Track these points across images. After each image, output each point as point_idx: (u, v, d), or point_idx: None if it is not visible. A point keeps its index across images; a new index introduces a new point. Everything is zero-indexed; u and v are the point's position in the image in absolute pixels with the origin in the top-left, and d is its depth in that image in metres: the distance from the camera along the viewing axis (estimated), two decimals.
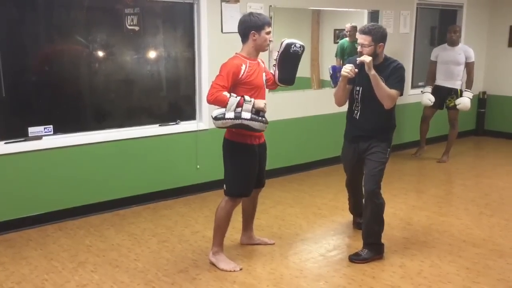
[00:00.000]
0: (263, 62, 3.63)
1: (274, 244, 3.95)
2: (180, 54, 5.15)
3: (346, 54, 6.71)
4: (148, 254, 3.79)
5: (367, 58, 3.44)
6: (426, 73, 6.70)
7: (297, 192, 5.34)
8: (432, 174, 6.12)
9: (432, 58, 6.58)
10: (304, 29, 6.50)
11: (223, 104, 3.21)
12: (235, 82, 3.30)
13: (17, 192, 4.21)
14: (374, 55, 3.52)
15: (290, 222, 4.48)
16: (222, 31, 5.10)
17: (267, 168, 4.98)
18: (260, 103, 3.27)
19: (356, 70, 3.52)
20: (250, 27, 3.35)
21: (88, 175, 4.54)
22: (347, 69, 3.51)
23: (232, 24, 5.12)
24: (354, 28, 6.54)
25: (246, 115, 3.20)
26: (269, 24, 3.40)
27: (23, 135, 4.23)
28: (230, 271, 3.49)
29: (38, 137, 4.29)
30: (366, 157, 3.71)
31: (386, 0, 6.55)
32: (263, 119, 3.28)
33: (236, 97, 3.23)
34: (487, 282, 3.37)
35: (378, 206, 3.64)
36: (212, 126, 5.11)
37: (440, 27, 7.78)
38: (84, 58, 4.64)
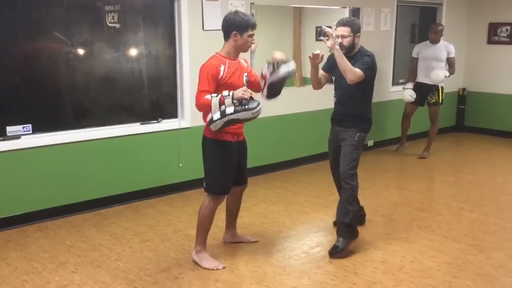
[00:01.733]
0: (246, 62, 3.60)
1: (257, 242, 3.95)
2: (162, 52, 5.12)
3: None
4: (130, 254, 3.75)
5: (331, 42, 3.58)
6: (408, 69, 6.76)
7: (280, 190, 5.35)
8: (413, 170, 6.18)
9: (414, 54, 6.65)
10: (286, 26, 6.50)
11: (209, 107, 3.21)
12: (217, 84, 3.29)
13: None
14: (353, 45, 3.76)
15: (273, 219, 4.48)
16: (203, 28, 5.07)
17: (250, 165, 4.97)
18: (237, 92, 3.21)
19: (322, 54, 3.69)
20: (232, 27, 3.31)
21: (68, 175, 4.49)
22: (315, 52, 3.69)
23: (213, 21, 5.09)
24: None
25: (230, 109, 3.18)
26: (253, 27, 3.35)
27: (1, 135, 4.16)
28: (213, 269, 3.48)
29: (17, 137, 4.22)
30: (340, 142, 3.90)
31: None
32: (248, 106, 3.20)
33: (217, 96, 3.22)
34: (467, 277, 3.41)
35: (352, 188, 3.77)
36: (194, 124, 5.14)
37: (421, 25, 7.85)
38: (64, 56, 4.58)
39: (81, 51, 4.67)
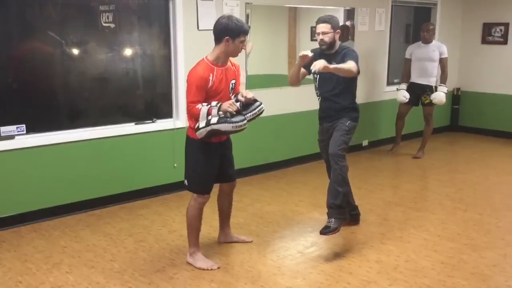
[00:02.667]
0: (237, 68, 3.54)
1: (252, 242, 3.95)
2: (156, 52, 5.10)
3: None
4: (125, 254, 3.75)
5: (319, 66, 3.55)
6: (401, 70, 6.77)
7: (275, 190, 5.35)
8: (408, 170, 6.20)
9: (407, 55, 6.66)
10: (281, 26, 6.50)
11: (198, 117, 3.24)
12: (206, 92, 3.30)
13: None
14: (334, 41, 3.91)
15: (268, 219, 4.48)
16: (198, 28, 5.07)
17: (245, 165, 4.97)
18: (224, 105, 3.27)
19: (311, 54, 3.78)
20: (225, 31, 3.28)
21: (63, 175, 4.47)
22: (305, 52, 3.79)
23: (208, 21, 5.08)
24: (346, 27, 6.60)
25: (214, 120, 3.22)
26: (246, 33, 3.35)
27: None
28: (208, 269, 3.48)
29: (11, 137, 4.21)
30: (331, 134, 3.97)
31: None
32: (230, 119, 3.24)
33: (206, 105, 3.25)
34: (461, 276, 3.43)
35: (341, 169, 3.80)
36: None
37: (415, 25, 7.86)
38: (58, 55, 4.56)
39: (75, 51, 4.66)
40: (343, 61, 3.80)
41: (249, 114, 3.37)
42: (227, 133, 3.34)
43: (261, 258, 3.70)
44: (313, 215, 4.60)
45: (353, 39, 6.64)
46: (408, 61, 6.63)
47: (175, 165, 5.12)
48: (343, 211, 3.87)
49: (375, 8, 6.80)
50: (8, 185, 4.20)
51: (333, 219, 3.79)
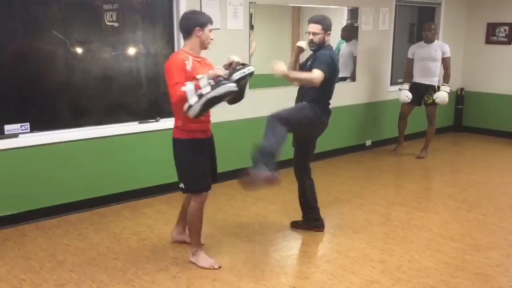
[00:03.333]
0: (209, 62, 3.57)
1: (204, 244, 3.83)
2: (160, 51, 5.11)
3: (339, 50, 6.76)
4: (128, 253, 3.75)
5: (278, 73, 3.57)
6: (404, 70, 6.76)
7: (277, 189, 5.31)
8: (411, 170, 6.19)
9: (409, 55, 6.65)
10: (285, 26, 6.49)
11: (185, 99, 3.21)
12: (186, 76, 3.28)
13: None
14: (323, 42, 3.89)
15: (271, 219, 4.49)
16: None
17: (247, 165, 4.92)
18: (211, 72, 3.27)
19: (305, 46, 3.94)
20: (194, 23, 3.36)
21: (66, 173, 4.48)
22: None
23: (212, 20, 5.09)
24: (352, 27, 6.60)
25: (206, 89, 3.18)
26: (212, 22, 3.45)
27: None
28: (209, 268, 3.48)
29: (15, 135, 4.22)
30: None
31: None
32: (225, 81, 3.21)
33: (190, 83, 3.23)
34: (465, 276, 3.42)
35: (270, 122, 3.73)
36: None
37: (419, 24, 7.84)
38: (62, 54, 4.57)
39: (79, 50, 4.67)
40: (313, 63, 3.79)
41: (237, 73, 3.31)
42: (224, 96, 3.22)
43: (264, 257, 3.71)
44: None
45: (356, 39, 6.63)
46: (411, 61, 6.61)
47: None
48: (315, 222, 4.01)
49: (379, 8, 6.79)
50: (12, 183, 4.21)
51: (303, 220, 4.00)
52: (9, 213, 4.22)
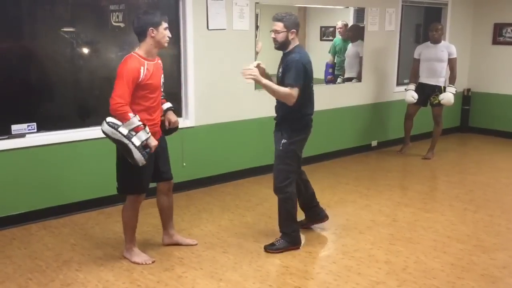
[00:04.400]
0: (160, 61, 3.56)
1: (196, 244, 3.88)
2: (166, 51, 5.09)
3: (337, 51, 6.75)
4: None
5: (248, 77, 3.56)
6: (410, 70, 6.74)
7: None
8: (417, 171, 6.17)
9: (415, 56, 6.62)
10: None
11: (123, 120, 3.21)
12: (136, 86, 3.28)
13: (0, 190, 4.15)
14: (287, 41, 3.68)
15: (276, 219, 4.46)
16: (208, 27, 5.08)
17: (253, 165, 4.94)
18: (153, 141, 3.32)
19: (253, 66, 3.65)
20: (147, 23, 3.30)
21: (73, 173, 4.50)
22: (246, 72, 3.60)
23: (218, 20, 5.11)
24: (345, 26, 6.60)
25: (136, 141, 3.21)
26: (166, 20, 3.39)
27: (6, 133, 4.17)
28: (143, 263, 3.52)
29: (22, 135, 4.24)
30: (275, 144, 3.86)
31: None
32: (146, 155, 3.28)
33: (138, 120, 3.24)
34: (471, 278, 3.41)
35: (285, 201, 3.77)
36: (199, 123, 5.15)
37: (425, 25, 7.82)
38: (68, 55, 4.59)
39: (85, 50, 4.68)
40: (284, 71, 3.64)
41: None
42: (130, 157, 3.26)
43: (270, 257, 3.70)
44: None
45: (362, 39, 6.62)
46: (417, 61, 6.59)
47: (184, 164, 5.14)
48: (292, 237, 3.82)
49: (385, 8, 6.77)
50: (18, 182, 4.23)
51: (281, 240, 3.81)
52: (16, 213, 4.24)
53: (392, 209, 4.76)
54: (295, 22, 3.71)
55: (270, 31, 3.74)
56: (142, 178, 3.48)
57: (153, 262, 3.57)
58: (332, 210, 4.59)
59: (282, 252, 3.74)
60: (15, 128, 4.21)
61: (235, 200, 4.94)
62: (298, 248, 3.82)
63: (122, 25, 4.77)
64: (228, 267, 3.53)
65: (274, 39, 3.71)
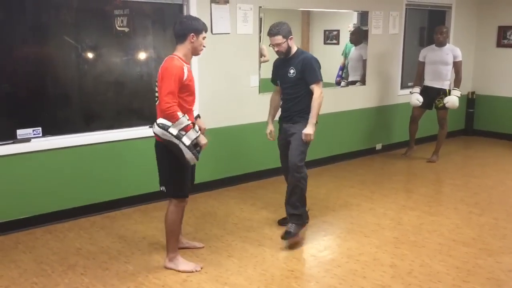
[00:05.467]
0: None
1: (203, 247, 3.88)
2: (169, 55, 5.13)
3: (346, 53, 6.77)
4: (139, 257, 3.77)
5: (310, 136, 3.96)
6: (415, 73, 6.74)
7: None
8: (422, 174, 6.16)
9: (420, 58, 6.62)
10: (294, 30, 6.47)
11: (173, 120, 3.23)
12: (180, 86, 3.31)
13: (5, 195, 4.17)
14: (289, 48, 3.99)
15: (276, 220, 4.47)
16: (212, 32, 5.09)
17: (257, 169, 4.92)
18: (204, 139, 3.37)
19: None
20: (190, 29, 3.37)
21: (77, 177, 4.51)
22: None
23: (222, 25, 5.12)
24: (360, 31, 6.61)
25: (187, 141, 3.24)
26: (207, 30, 3.49)
27: (11, 138, 4.19)
28: (192, 271, 3.49)
29: (27, 140, 4.26)
30: (289, 137, 4.07)
31: (375, 0, 6.58)
32: (198, 154, 3.32)
33: (188, 120, 3.27)
34: (477, 281, 3.39)
35: (299, 180, 3.98)
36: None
37: (429, 28, 7.82)
38: (73, 59, 4.61)
39: (90, 55, 4.71)
40: (302, 69, 3.94)
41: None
42: (183, 157, 3.29)
43: (275, 261, 3.70)
44: (326, 218, 4.58)
45: (365, 42, 6.63)
46: (422, 64, 6.58)
47: None
48: (301, 217, 4.02)
49: (389, 11, 6.77)
50: (23, 187, 4.25)
51: (293, 225, 3.95)
52: (21, 217, 4.26)
53: (397, 212, 4.75)
54: (288, 29, 3.98)
55: (270, 45, 4.01)
56: (185, 182, 3.51)
57: (201, 268, 3.54)
58: (336, 214, 4.58)
59: (297, 236, 3.98)
60: (21, 132, 4.23)
61: (240, 204, 4.94)
62: (307, 223, 4.17)
63: (126, 29, 4.79)
64: (233, 271, 3.53)
65: (278, 51, 3.99)
